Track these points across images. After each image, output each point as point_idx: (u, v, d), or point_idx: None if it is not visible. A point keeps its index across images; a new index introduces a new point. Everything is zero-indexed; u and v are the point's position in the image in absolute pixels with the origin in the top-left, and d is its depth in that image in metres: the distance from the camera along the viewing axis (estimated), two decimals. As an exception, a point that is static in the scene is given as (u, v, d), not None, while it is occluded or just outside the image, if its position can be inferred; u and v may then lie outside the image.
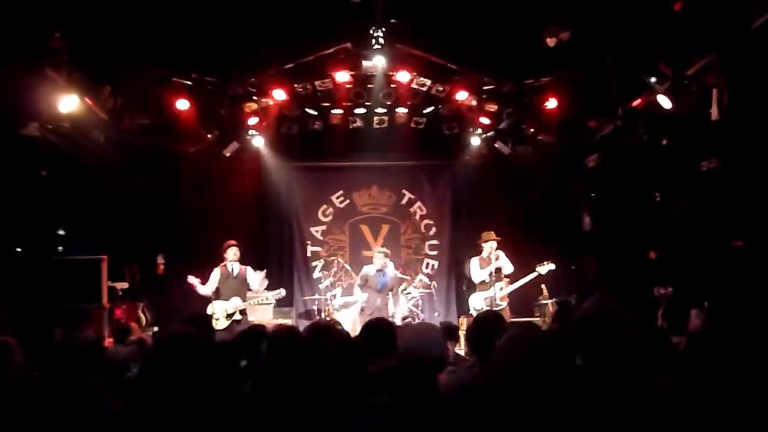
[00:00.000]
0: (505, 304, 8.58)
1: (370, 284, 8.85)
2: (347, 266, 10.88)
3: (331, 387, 2.43)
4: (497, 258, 8.72)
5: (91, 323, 8.45)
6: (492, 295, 8.66)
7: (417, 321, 9.89)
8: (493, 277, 8.64)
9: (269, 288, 8.61)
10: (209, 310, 8.29)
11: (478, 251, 9.09)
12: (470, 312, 9.10)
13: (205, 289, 8.40)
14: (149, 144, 9.74)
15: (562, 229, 10.92)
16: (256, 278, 8.61)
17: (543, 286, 9.73)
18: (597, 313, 2.59)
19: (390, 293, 9.11)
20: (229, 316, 8.29)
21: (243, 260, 8.76)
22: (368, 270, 8.96)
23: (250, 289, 8.63)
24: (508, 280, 8.85)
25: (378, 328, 3.51)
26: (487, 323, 3.36)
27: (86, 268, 8.69)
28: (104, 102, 8.37)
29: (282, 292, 8.60)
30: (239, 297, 8.37)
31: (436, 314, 10.65)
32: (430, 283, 10.73)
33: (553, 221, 10.94)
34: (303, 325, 8.65)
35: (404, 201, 12.00)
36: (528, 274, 8.81)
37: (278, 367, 2.73)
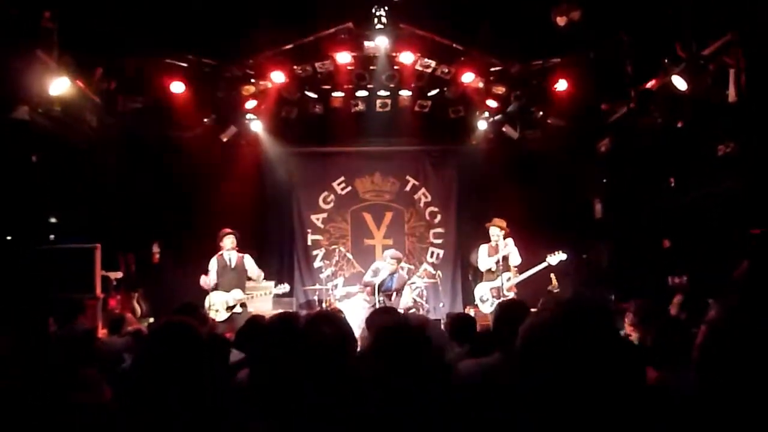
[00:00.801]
0: (512, 295, 8.57)
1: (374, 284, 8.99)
2: (349, 255, 10.89)
3: (329, 379, 2.45)
4: (505, 246, 8.71)
5: (85, 314, 8.48)
6: (499, 285, 8.67)
7: (422, 312, 9.97)
8: (500, 266, 8.64)
9: (269, 278, 8.63)
10: (207, 302, 8.32)
11: (485, 238, 9.09)
12: (475, 303, 9.11)
13: (211, 284, 8.45)
14: (143, 128, 9.74)
15: (573, 217, 10.90)
16: (254, 265, 8.63)
17: (553, 276, 9.68)
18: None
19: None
20: (230, 308, 8.32)
21: (241, 249, 8.79)
22: (379, 265, 9.02)
23: (249, 278, 8.62)
24: (516, 270, 8.83)
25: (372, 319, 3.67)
26: (512, 310, 3.39)
27: (79, 257, 8.69)
28: (96, 85, 8.37)
29: (286, 287, 8.67)
30: (239, 288, 8.41)
31: (441, 305, 10.67)
32: (434, 272, 10.75)
33: (564, 209, 10.91)
34: (304, 315, 8.43)
35: (408, 187, 12.00)
36: (537, 264, 8.81)
37: (276, 357, 2.72)
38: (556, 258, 8.70)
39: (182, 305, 5.16)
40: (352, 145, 11.74)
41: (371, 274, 9.32)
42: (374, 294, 8.88)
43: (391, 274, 8.94)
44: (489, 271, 8.90)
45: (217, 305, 8.35)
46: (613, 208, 10.71)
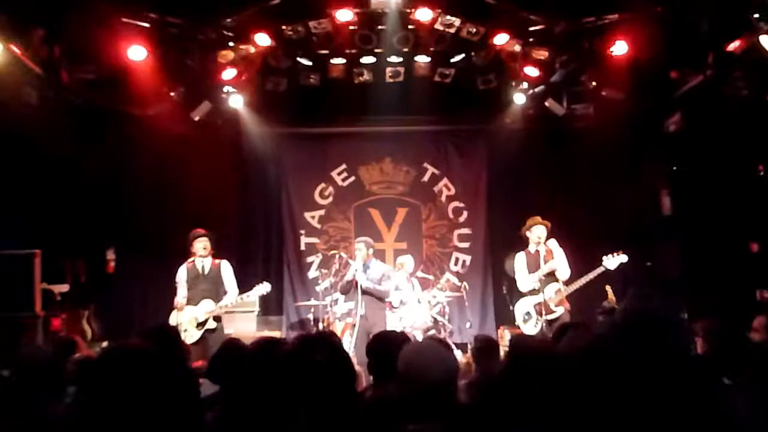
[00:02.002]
0: (561, 311, 8.52)
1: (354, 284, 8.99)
2: (352, 263, 10.87)
3: (321, 419, 2.46)
4: (548, 253, 8.64)
5: (23, 336, 8.51)
6: (542, 300, 8.61)
7: (443, 333, 10.01)
8: (548, 278, 8.59)
9: (248, 289, 8.63)
10: (173, 320, 8.33)
11: (523, 244, 9.05)
12: (516, 323, 9.09)
13: (182, 300, 8.49)
14: (96, 105, 9.76)
15: (635, 214, 10.86)
16: (231, 275, 8.67)
17: (608, 288, 9.66)
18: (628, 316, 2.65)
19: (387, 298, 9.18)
20: (201, 324, 8.34)
21: (217, 255, 8.81)
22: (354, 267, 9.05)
23: (226, 292, 8.65)
24: (571, 284, 8.77)
25: (378, 345, 3.65)
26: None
27: (13, 267, 8.64)
28: (36, 51, 8.35)
29: (266, 286, 8.62)
30: (211, 299, 8.42)
31: (468, 325, 10.67)
32: (459, 284, 10.72)
33: (623, 203, 10.87)
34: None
35: (426, 178, 12.03)
36: (591, 269, 8.69)
37: (256, 391, 2.75)
38: (614, 261, 8.56)
39: (155, 328, 5.15)
40: (355, 125, 11.77)
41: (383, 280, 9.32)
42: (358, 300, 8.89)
43: (365, 264, 8.93)
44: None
45: (185, 324, 8.36)
46: (684, 202, 10.64)
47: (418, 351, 3.29)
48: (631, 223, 10.64)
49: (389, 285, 9.11)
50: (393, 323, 9.66)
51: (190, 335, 8.29)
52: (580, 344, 2.57)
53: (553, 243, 8.69)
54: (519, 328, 8.98)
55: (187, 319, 8.37)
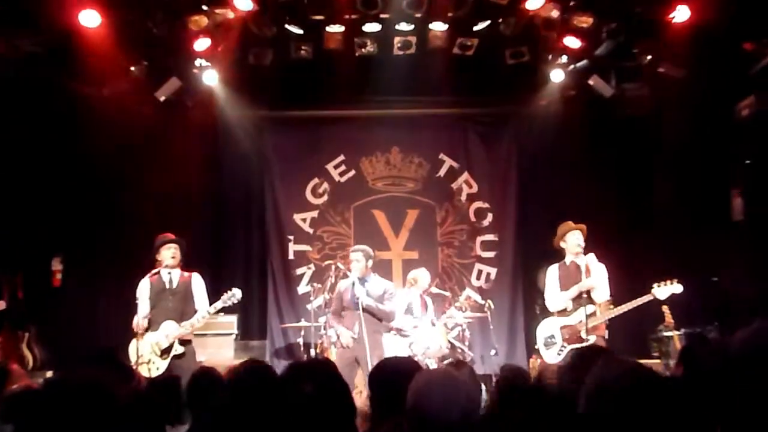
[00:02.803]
0: (593, 339, 8.44)
1: (344, 302, 8.97)
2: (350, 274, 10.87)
3: None
4: (587, 269, 8.65)
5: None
6: (574, 323, 8.64)
7: (466, 359, 9.94)
8: (582, 299, 8.57)
9: (224, 312, 8.65)
10: (132, 350, 8.35)
11: (558, 256, 9.06)
12: (536, 347, 9.14)
13: (142, 321, 8.47)
14: (38, 83, 9.76)
15: (698, 219, 10.83)
16: (203, 292, 8.69)
17: (665, 309, 9.70)
18: (756, 350, 2.66)
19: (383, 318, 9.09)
20: (165, 351, 8.36)
21: (187, 265, 8.83)
22: (342, 284, 9.06)
23: (196, 310, 8.67)
24: (608, 303, 8.78)
25: (383, 374, 3.68)
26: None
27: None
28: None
29: (236, 294, 8.60)
30: (173, 320, 8.44)
31: (493, 352, 10.55)
32: (483, 302, 10.65)
33: (683, 205, 10.88)
34: (282, 367, 8.42)
35: (442, 172, 12.05)
36: (638, 296, 8.65)
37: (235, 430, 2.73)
38: (666, 290, 8.54)
39: (95, 351, 5.17)
40: (356, 107, 11.79)
41: (398, 307, 9.36)
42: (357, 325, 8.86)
43: (362, 279, 8.93)
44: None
45: (147, 353, 8.36)
46: (760, 205, 10.59)
47: (432, 382, 3.27)
48: (693, 231, 10.63)
49: (392, 305, 9.09)
50: (401, 350, 9.64)
51: (155, 367, 8.31)
52: (624, 384, 2.56)
53: (591, 258, 8.71)
54: (540, 354, 9.03)
55: (149, 348, 8.37)
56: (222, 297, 8.55)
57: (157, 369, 8.28)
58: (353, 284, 8.84)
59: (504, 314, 11.53)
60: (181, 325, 8.40)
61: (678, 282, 8.57)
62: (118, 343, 8.65)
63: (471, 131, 12.04)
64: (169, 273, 8.64)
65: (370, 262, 8.98)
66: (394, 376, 3.73)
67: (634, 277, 9.08)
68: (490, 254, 11.97)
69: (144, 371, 8.18)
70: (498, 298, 11.32)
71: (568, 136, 11.41)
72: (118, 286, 9.44)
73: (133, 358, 8.34)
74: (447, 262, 11.91)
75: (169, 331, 8.38)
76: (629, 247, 9.91)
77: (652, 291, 8.56)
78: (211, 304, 8.62)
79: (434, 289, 10.90)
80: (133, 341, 8.37)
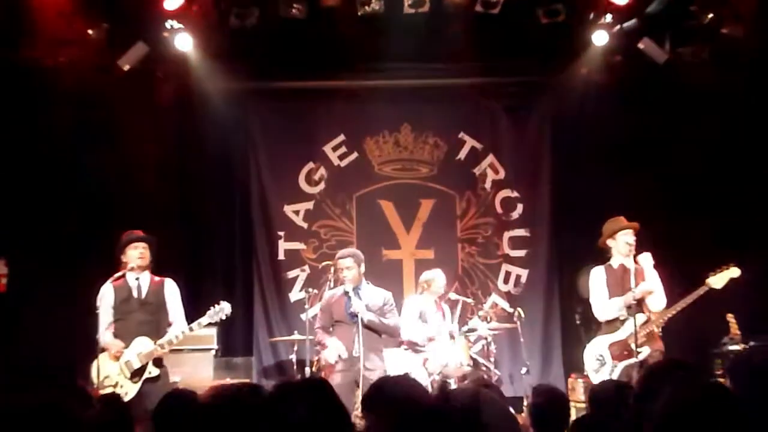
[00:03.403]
0: (646, 352, 8.48)
1: (336, 316, 8.83)
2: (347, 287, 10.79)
3: None
4: (638, 272, 8.59)
5: None
6: (624, 337, 8.59)
7: (492, 378, 9.89)
8: (632, 308, 8.50)
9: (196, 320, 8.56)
10: (94, 370, 8.29)
11: (603, 256, 9.01)
12: (585, 370, 9.06)
13: (104, 337, 8.42)
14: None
15: (763, 206, 10.78)
16: (178, 300, 8.65)
17: (730, 318, 9.63)
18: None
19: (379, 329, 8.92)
20: (137, 374, 8.31)
21: (158, 269, 8.78)
22: (330, 294, 8.99)
23: (170, 324, 8.63)
24: (663, 310, 8.72)
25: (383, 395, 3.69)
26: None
27: None
28: None
29: (225, 308, 8.59)
30: (148, 336, 8.41)
31: (524, 370, 10.58)
32: (512, 310, 10.69)
33: (746, 191, 10.82)
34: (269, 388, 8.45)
35: (463, 154, 12.04)
36: (692, 290, 8.64)
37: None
38: (722, 277, 8.56)
39: (48, 373, 5.11)
40: (359, 77, 11.77)
41: (407, 315, 9.38)
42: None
43: (355, 289, 8.74)
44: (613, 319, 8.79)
45: (114, 375, 8.30)
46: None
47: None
48: (757, 222, 10.60)
49: (395, 318, 9.01)
50: (413, 368, 9.60)
51: (124, 391, 8.23)
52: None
53: (647, 259, 8.69)
54: (588, 377, 8.99)
55: (116, 369, 8.32)
56: (208, 312, 8.54)
57: (126, 394, 8.18)
58: (347, 295, 8.67)
59: (537, 325, 11.53)
60: (157, 343, 8.34)
61: (734, 266, 8.58)
62: (75, 361, 8.74)
63: (497, 105, 12.02)
64: (137, 278, 8.59)
65: (363, 267, 8.82)
66: (391, 398, 3.75)
67: (689, 275, 8.97)
68: (521, 253, 11.95)
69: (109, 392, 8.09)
70: (530, 306, 11.30)
71: (613, 111, 11.34)
72: (75, 293, 9.36)
73: (95, 379, 8.27)
74: (468, 262, 11.90)
75: (143, 349, 8.32)
76: (684, 244, 9.79)
77: (707, 281, 8.58)
78: (190, 317, 8.63)
79: (453, 295, 10.88)
80: (98, 359, 8.29)
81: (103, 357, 8.34)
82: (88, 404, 5.51)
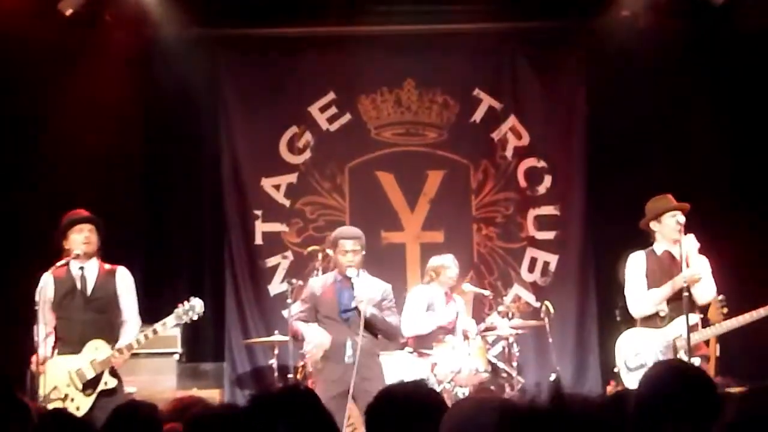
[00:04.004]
0: (696, 363, 8.21)
1: (324, 311, 8.63)
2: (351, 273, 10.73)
3: None
4: (685, 260, 8.47)
5: None
6: (670, 339, 8.49)
7: (508, 391, 10.02)
8: (682, 300, 8.38)
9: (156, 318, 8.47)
10: (42, 384, 8.15)
11: (645, 239, 8.91)
12: (616, 371, 8.98)
13: (40, 338, 8.27)
14: None
15: None
16: (132, 293, 8.55)
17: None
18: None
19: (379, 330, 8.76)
20: (90, 385, 8.20)
21: (108, 256, 8.68)
22: (316, 283, 8.80)
23: (124, 322, 8.54)
24: (720, 311, 8.71)
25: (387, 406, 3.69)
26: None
27: None
28: None
29: (196, 305, 8.49)
30: (102, 339, 8.30)
31: (553, 377, 10.53)
32: (539, 305, 10.69)
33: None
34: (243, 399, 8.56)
35: (478, 115, 11.99)
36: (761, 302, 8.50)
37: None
38: None
39: None
40: (351, 23, 11.66)
41: (412, 308, 9.35)
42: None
43: (351, 279, 8.52)
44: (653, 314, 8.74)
45: (62, 386, 8.21)
46: None
47: (474, 419, 3.21)
48: None
49: (396, 318, 8.87)
50: (418, 374, 9.45)
51: (75, 406, 8.15)
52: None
53: (690, 241, 8.59)
54: (621, 379, 8.89)
55: (65, 379, 8.22)
56: (176, 310, 8.43)
57: (78, 409, 8.08)
58: (349, 282, 8.43)
59: (569, 322, 11.53)
60: (115, 348, 8.23)
61: None
62: (8, 367, 8.76)
63: (519, 56, 11.97)
64: (82, 267, 8.48)
65: (358, 256, 8.62)
66: (401, 410, 3.68)
67: (754, 278, 8.87)
68: (549, 235, 11.92)
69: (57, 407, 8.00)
70: (560, 299, 11.29)
71: (659, 64, 11.28)
72: (8, 285, 9.40)
73: (41, 391, 8.14)
74: (486, 246, 11.86)
75: (97, 355, 8.22)
76: (746, 234, 9.67)
77: None
78: (149, 315, 8.66)
79: (467, 287, 10.85)
80: (43, 366, 8.19)
81: (51, 363, 8.22)
82: (27, 422, 5.37)
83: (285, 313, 9.99)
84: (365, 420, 3.89)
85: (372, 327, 8.39)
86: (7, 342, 9.14)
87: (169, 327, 8.59)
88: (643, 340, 8.69)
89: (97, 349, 8.20)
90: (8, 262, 10.15)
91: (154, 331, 8.41)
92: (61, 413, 4.85)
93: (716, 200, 9.67)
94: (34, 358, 8.24)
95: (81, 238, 8.39)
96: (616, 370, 8.92)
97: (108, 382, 8.22)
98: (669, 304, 8.54)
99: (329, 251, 9.64)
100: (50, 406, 7.91)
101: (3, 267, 10.15)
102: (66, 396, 8.16)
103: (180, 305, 8.45)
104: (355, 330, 8.17)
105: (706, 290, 8.51)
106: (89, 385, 8.16)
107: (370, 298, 8.37)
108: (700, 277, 8.43)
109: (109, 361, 8.18)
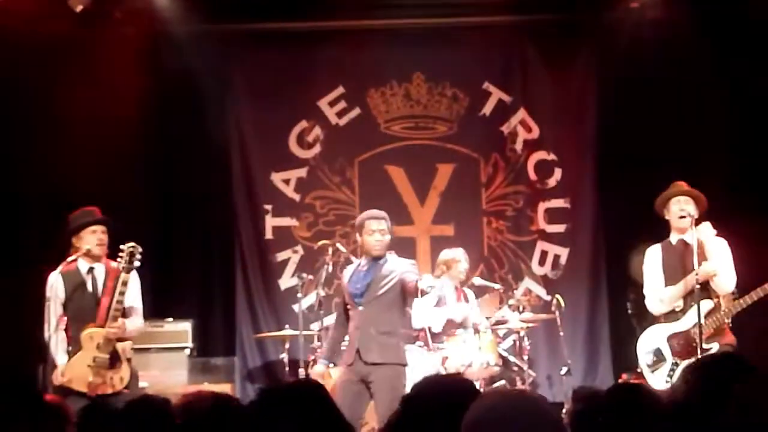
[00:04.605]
0: (715, 347, 8.36)
1: (347, 299, 8.51)
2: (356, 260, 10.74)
3: None
4: (700, 247, 8.43)
5: None
6: (686, 328, 8.49)
7: (519, 384, 10.08)
8: (695, 293, 8.38)
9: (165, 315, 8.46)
10: (59, 374, 8.19)
11: (660, 229, 8.87)
12: (638, 366, 8.94)
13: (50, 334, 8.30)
14: None
15: None
16: (137, 292, 8.56)
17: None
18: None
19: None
20: (116, 359, 8.23)
21: (116, 251, 8.50)
22: (346, 272, 8.68)
23: (125, 316, 8.49)
24: (732, 295, 8.60)
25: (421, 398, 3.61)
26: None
27: None
28: None
29: (134, 248, 8.33)
30: (93, 324, 8.29)
31: (564, 370, 10.58)
32: (549, 298, 10.75)
33: None
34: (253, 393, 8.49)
35: (488, 108, 12.01)
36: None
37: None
38: None
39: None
40: (361, 17, 11.68)
41: (422, 301, 9.28)
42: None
43: (375, 260, 8.41)
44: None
45: (93, 375, 8.17)
46: None
47: (506, 410, 3.10)
48: None
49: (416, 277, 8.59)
50: (428, 367, 9.51)
51: (116, 378, 8.21)
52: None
53: (706, 230, 8.56)
54: (643, 375, 8.84)
55: (82, 366, 8.17)
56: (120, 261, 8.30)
57: (122, 380, 8.20)
58: (375, 264, 8.34)
59: (580, 315, 11.54)
60: (107, 326, 8.18)
61: None
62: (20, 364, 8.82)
63: (529, 49, 11.96)
64: (92, 267, 8.49)
65: (387, 236, 8.48)
66: (435, 403, 3.58)
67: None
68: (559, 228, 11.92)
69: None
70: (571, 293, 11.33)
71: (669, 54, 11.23)
72: (14, 283, 9.31)
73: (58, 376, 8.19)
74: (496, 240, 11.86)
75: (97, 338, 8.17)
76: (765, 227, 9.70)
77: None
78: (157, 312, 9.07)
79: (477, 280, 10.84)
80: (63, 359, 8.25)
81: (69, 368, 8.19)
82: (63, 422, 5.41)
83: (295, 307, 10.15)
84: (400, 409, 3.83)
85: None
86: (16, 339, 9.15)
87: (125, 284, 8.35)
88: (661, 337, 8.70)
89: (92, 338, 8.19)
90: (16, 259, 10.11)
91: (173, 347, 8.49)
92: (148, 399, 4.85)
93: (728, 193, 9.62)
94: (55, 373, 8.21)
95: (95, 239, 8.40)
96: (639, 370, 8.89)
97: (125, 347, 8.27)
98: (686, 297, 8.47)
99: (341, 246, 9.73)
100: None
101: (11, 264, 10.13)
102: (105, 376, 8.14)
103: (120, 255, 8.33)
104: (370, 316, 8.12)
105: (725, 281, 8.44)
106: (114, 360, 8.17)
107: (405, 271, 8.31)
108: (715, 273, 8.38)
109: (107, 335, 8.13)
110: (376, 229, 8.35)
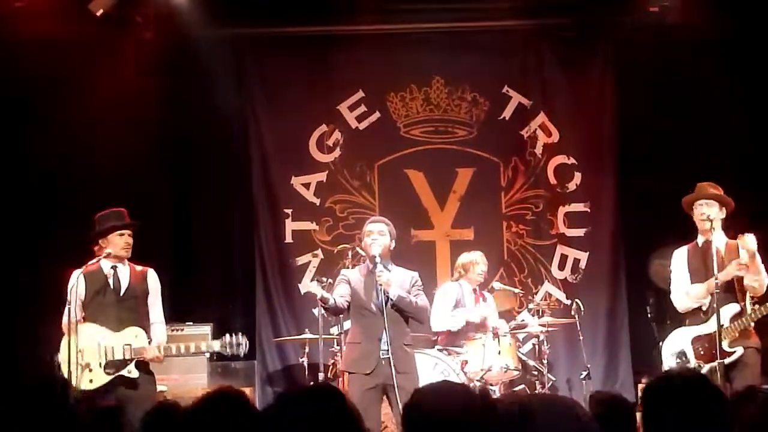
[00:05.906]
0: (740, 352, 8.34)
1: (358, 301, 8.47)
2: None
3: None
4: (730, 249, 8.48)
5: None
6: (710, 331, 8.42)
7: (539, 388, 10.00)
8: (718, 292, 8.36)
9: (196, 319, 8.50)
10: (62, 351, 8.22)
11: (685, 231, 8.87)
12: (664, 369, 8.81)
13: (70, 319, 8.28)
14: None
15: None
16: (158, 296, 8.61)
17: None
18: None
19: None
20: (113, 365, 8.25)
21: (138, 253, 8.70)
22: (352, 275, 8.61)
23: (150, 321, 8.61)
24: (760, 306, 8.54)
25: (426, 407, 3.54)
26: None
27: None
28: None
29: (243, 342, 8.47)
30: (142, 328, 8.40)
31: (583, 374, 10.51)
32: (569, 302, 10.72)
33: None
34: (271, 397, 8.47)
35: (508, 112, 12.01)
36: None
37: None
38: None
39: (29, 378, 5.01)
40: (379, 21, 11.65)
41: (441, 304, 9.32)
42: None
43: (383, 263, 8.47)
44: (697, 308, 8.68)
45: (89, 352, 8.22)
46: None
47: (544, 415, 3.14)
48: None
49: (424, 299, 8.64)
50: (447, 371, 9.60)
51: (89, 376, 8.23)
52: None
53: (750, 241, 8.40)
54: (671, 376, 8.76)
55: (93, 347, 8.24)
56: (224, 338, 8.47)
57: (90, 382, 8.20)
58: (374, 263, 8.28)
59: (600, 319, 11.53)
60: (152, 345, 8.31)
61: None
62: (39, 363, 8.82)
63: (548, 53, 11.97)
64: (114, 267, 8.53)
65: (393, 244, 8.59)
66: (439, 412, 3.54)
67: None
68: (579, 232, 11.92)
69: (76, 380, 8.04)
70: (591, 297, 11.32)
71: (688, 58, 11.22)
72: (35, 284, 9.45)
73: (64, 357, 8.17)
74: (516, 244, 11.86)
75: (134, 342, 8.29)
76: None
77: None
78: (177, 315, 8.91)
79: (497, 284, 10.87)
80: (73, 336, 8.12)
81: (86, 327, 8.25)
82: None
83: (315, 311, 10.14)
84: (402, 420, 3.85)
85: (401, 309, 8.28)
86: (35, 338, 9.20)
87: (209, 350, 8.73)
88: (686, 340, 8.68)
89: (136, 337, 8.29)
90: (36, 258, 10.16)
91: (197, 347, 8.52)
92: (170, 406, 4.91)
93: (750, 194, 9.60)
94: (64, 318, 8.24)
95: (122, 242, 8.46)
96: (663, 369, 8.78)
97: (131, 371, 8.23)
98: (714, 296, 8.37)
99: (360, 249, 9.74)
100: (66, 369, 8.02)
101: (31, 264, 10.19)
102: (87, 365, 8.16)
103: (228, 336, 8.45)
104: (389, 322, 8.07)
105: (757, 283, 8.36)
106: (112, 365, 8.21)
107: (399, 283, 8.33)
108: (742, 273, 8.31)
109: (142, 351, 8.22)
110: (374, 230, 8.44)
